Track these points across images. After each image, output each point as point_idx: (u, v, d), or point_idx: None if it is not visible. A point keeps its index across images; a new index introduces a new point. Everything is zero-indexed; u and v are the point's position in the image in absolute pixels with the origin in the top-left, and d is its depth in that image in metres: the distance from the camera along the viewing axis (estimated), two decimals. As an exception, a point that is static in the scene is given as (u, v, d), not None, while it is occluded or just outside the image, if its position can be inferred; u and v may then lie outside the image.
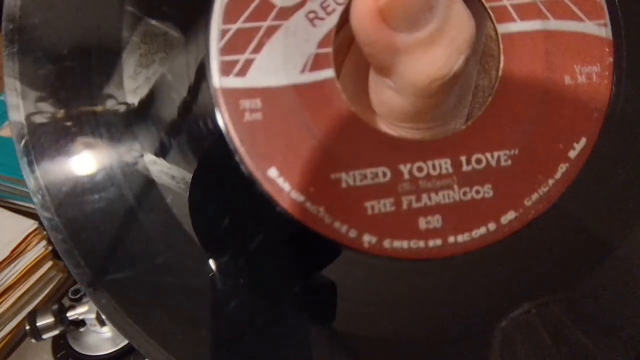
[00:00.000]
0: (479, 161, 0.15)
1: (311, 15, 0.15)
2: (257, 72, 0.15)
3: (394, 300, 0.16)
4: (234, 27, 0.15)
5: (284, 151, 0.15)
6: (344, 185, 0.15)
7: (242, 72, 0.15)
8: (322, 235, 0.15)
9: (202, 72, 0.15)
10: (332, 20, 0.15)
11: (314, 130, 0.15)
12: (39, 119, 0.15)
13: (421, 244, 0.15)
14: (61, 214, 0.15)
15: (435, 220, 0.15)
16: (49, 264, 0.60)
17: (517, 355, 0.16)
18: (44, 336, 0.49)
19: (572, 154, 0.16)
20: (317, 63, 0.15)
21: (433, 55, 0.14)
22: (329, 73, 0.15)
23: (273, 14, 0.15)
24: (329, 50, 0.15)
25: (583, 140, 0.16)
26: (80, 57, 0.16)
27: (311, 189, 0.15)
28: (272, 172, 0.15)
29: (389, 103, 0.16)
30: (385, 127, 0.17)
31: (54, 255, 0.60)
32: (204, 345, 0.16)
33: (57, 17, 0.16)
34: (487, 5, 0.16)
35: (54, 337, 0.53)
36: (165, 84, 0.15)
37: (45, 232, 0.58)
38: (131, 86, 0.15)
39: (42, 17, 0.16)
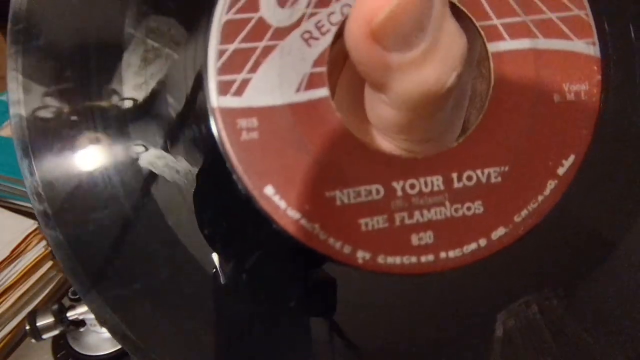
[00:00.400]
0: (469, 178, 0.16)
1: (306, 35, 0.15)
2: (253, 92, 0.15)
3: (388, 314, 0.16)
4: (231, 47, 0.15)
5: (280, 170, 0.15)
6: (338, 202, 0.15)
7: (239, 92, 0.15)
8: (317, 251, 0.15)
9: (199, 91, 0.15)
10: (327, 40, 0.15)
11: (309, 148, 0.15)
12: (41, 116, 0.15)
13: (413, 259, 0.15)
14: (61, 223, 0.16)
15: (427, 237, 0.15)
16: (49, 264, 0.60)
17: (518, 356, 0.16)
18: (44, 336, 0.49)
19: (561, 170, 0.16)
20: (312, 82, 0.15)
21: (425, 72, 0.14)
22: (323, 92, 0.15)
23: (269, 34, 0.15)
24: (323, 69, 0.15)
25: (572, 157, 0.16)
26: (80, 58, 0.16)
27: (306, 207, 0.15)
28: (269, 190, 0.15)
29: (384, 116, 0.16)
30: (381, 138, 0.17)
31: (54, 255, 0.60)
32: (205, 356, 0.16)
33: (61, 13, 0.16)
34: (477, 24, 0.16)
35: (54, 337, 0.53)
36: (162, 104, 0.16)
37: (45, 233, 0.58)
38: (127, 102, 0.16)
39: (46, 13, 0.16)
